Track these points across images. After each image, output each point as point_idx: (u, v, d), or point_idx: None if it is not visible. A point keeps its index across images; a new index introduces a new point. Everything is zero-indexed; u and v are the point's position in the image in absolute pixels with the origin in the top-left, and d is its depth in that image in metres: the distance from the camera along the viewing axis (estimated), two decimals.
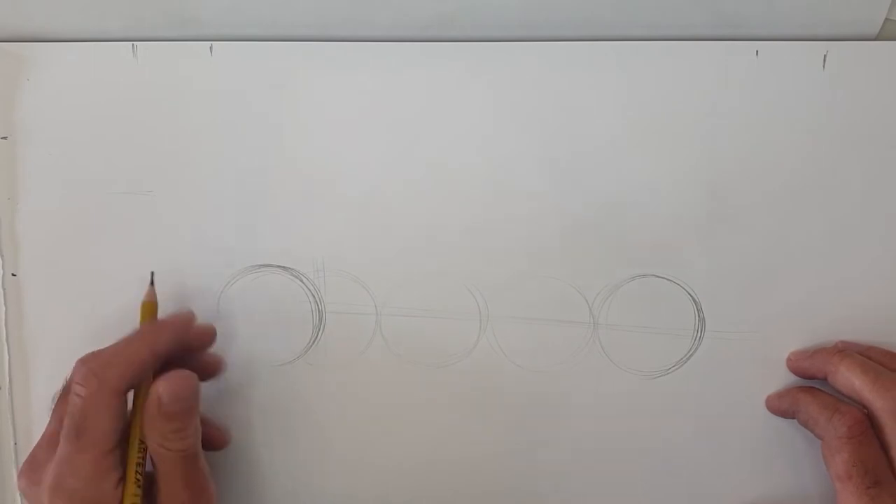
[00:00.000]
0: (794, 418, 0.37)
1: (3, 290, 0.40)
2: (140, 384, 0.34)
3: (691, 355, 0.38)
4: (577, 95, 0.38)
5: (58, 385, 0.40)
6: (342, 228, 0.39)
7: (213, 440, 0.39)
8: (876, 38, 0.37)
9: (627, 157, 0.38)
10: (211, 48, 0.39)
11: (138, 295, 0.38)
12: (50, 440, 0.35)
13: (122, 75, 0.39)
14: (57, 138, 0.39)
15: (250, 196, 0.39)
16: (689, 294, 0.38)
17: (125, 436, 0.34)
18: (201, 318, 0.39)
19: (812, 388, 0.37)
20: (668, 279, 0.38)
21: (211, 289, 0.39)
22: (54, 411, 0.36)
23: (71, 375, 0.34)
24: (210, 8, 0.38)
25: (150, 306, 0.37)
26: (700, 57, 0.37)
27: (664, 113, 0.38)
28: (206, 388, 0.40)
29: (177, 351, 0.35)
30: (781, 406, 0.37)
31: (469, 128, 0.38)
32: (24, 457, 0.40)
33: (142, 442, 0.34)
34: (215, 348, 0.39)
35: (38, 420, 0.40)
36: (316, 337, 0.39)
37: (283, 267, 0.39)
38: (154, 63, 0.39)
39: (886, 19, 0.37)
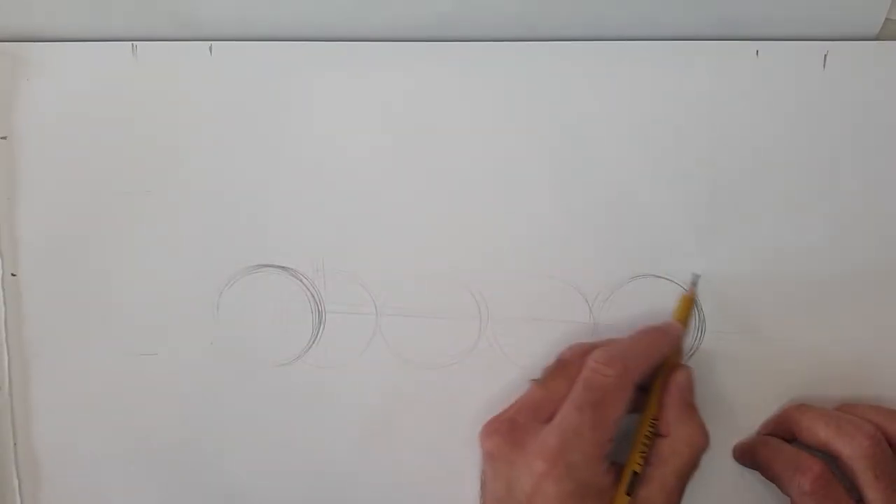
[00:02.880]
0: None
1: (3, 290, 0.40)
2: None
3: (691, 355, 0.38)
4: (577, 95, 0.38)
5: (57, 385, 0.40)
6: (342, 228, 0.39)
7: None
8: (876, 38, 0.37)
9: (627, 157, 0.38)
10: (211, 48, 0.39)
11: (139, 294, 0.39)
12: (537, 407, 0.34)
13: (122, 75, 0.39)
14: (57, 138, 0.39)
15: (250, 196, 0.39)
16: None
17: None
18: (201, 317, 0.39)
19: (772, 443, 0.36)
20: (668, 279, 0.38)
21: (211, 289, 0.39)
22: (542, 383, 0.35)
23: (565, 353, 0.36)
24: (210, 8, 0.38)
25: (687, 301, 0.37)
26: (700, 57, 0.37)
27: (664, 113, 0.38)
28: (206, 387, 0.40)
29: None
30: (744, 462, 0.38)
31: (469, 128, 0.38)
32: (24, 456, 0.40)
33: (647, 438, 0.34)
34: (215, 347, 0.39)
35: (38, 420, 0.40)
36: (316, 337, 0.39)
37: (283, 267, 0.39)
38: (154, 63, 0.39)
39: (886, 19, 0.37)
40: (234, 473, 0.40)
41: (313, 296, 0.39)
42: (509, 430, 0.34)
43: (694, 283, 0.38)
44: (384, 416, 0.39)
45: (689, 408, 0.35)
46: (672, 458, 0.34)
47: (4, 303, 0.40)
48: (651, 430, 0.35)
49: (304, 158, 0.39)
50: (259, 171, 0.39)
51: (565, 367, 0.35)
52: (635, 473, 0.34)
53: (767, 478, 0.36)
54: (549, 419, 0.33)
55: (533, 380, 0.36)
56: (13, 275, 0.40)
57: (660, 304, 0.38)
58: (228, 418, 0.40)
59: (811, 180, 0.37)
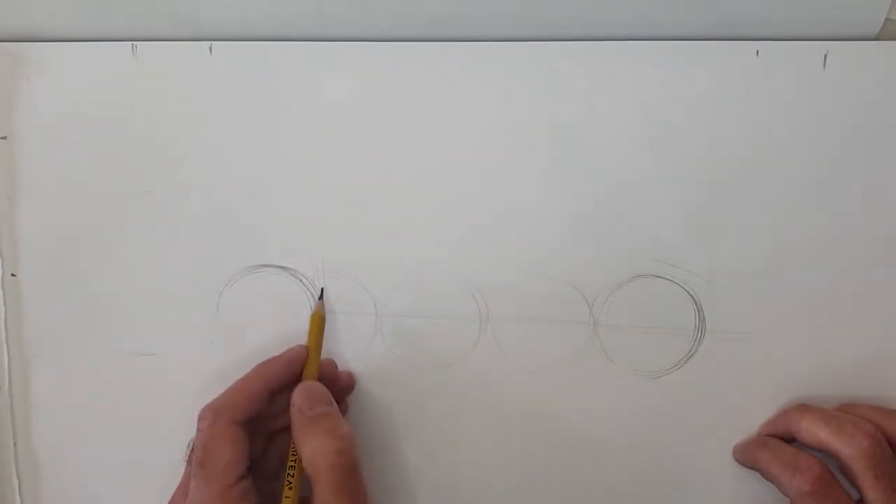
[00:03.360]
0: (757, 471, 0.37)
1: (3, 290, 0.40)
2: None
3: (691, 355, 0.38)
4: (577, 95, 0.38)
5: (58, 385, 0.40)
6: (342, 228, 0.39)
7: (343, 386, 0.39)
8: (876, 38, 0.37)
9: (627, 157, 0.38)
10: (211, 48, 0.39)
11: (138, 294, 0.39)
12: (184, 488, 0.35)
13: (122, 75, 0.39)
14: (57, 138, 0.39)
15: (250, 196, 0.39)
16: (689, 294, 0.38)
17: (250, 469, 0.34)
18: (201, 317, 0.39)
19: (770, 443, 0.36)
20: (668, 279, 0.38)
21: (211, 289, 0.39)
22: (188, 460, 0.36)
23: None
24: (210, 8, 0.38)
25: (318, 318, 0.38)
26: (700, 57, 0.37)
27: (664, 113, 0.38)
28: (206, 387, 0.40)
29: (292, 382, 0.36)
30: (744, 462, 0.37)
31: (469, 128, 0.38)
32: (24, 456, 0.40)
33: (295, 461, 0.34)
34: (215, 347, 0.39)
35: (38, 420, 0.40)
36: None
37: (283, 267, 0.39)
38: (154, 63, 0.39)
39: (886, 19, 0.37)
40: None
41: (313, 296, 0.39)
42: None
43: (321, 297, 0.38)
44: (384, 415, 0.39)
45: (311, 421, 0.34)
46: (316, 476, 0.32)
47: (4, 303, 0.40)
48: (293, 457, 0.34)
49: (304, 158, 0.39)
50: (259, 171, 0.39)
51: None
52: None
53: (767, 478, 0.36)
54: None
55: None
56: (13, 275, 0.40)
57: (660, 303, 0.38)
58: None
59: (811, 180, 0.37)
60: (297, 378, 0.36)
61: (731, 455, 0.38)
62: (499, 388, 0.39)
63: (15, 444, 0.40)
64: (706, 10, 0.37)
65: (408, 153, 0.39)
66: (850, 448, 0.33)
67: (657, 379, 0.38)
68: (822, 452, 0.35)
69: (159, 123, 0.39)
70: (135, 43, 0.39)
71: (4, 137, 0.39)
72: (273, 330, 0.39)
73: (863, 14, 0.37)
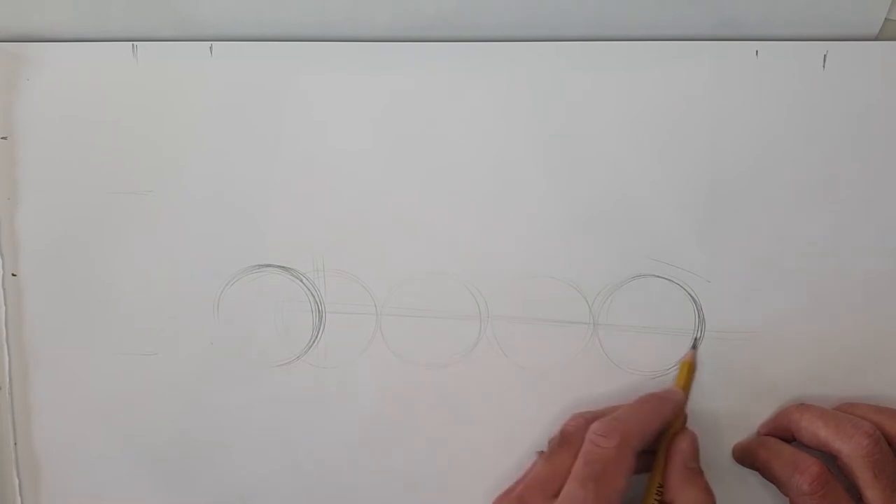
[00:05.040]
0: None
1: (3, 290, 0.40)
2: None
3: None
4: (577, 95, 0.38)
5: (58, 385, 0.40)
6: (342, 228, 0.39)
7: None
8: (876, 38, 0.37)
9: (627, 158, 0.38)
10: (211, 48, 0.39)
11: (139, 294, 0.39)
12: (543, 483, 0.35)
13: (122, 75, 0.39)
14: (57, 138, 0.39)
15: (250, 196, 0.39)
16: (689, 294, 0.38)
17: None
18: (201, 317, 0.39)
19: (770, 443, 0.37)
20: (668, 279, 0.38)
21: (211, 289, 0.39)
22: (548, 457, 0.36)
23: (568, 425, 0.36)
24: (210, 8, 0.38)
25: (689, 366, 0.38)
26: (700, 57, 0.37)
27: (664, 113, 0.38)
28: (206, 387, 0.40)
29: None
30: (744, 462, 0.38)
31: (469, 128, 0.38)
32: (24, 456, 0.40)
33: (659, 501, 0.35)
34: (215, 347, 0.39)
35: (38, 420, 0.40)
36: (316, 337, 0.39)
37: (283, 267, 0.39)
38: (154, 63, 0.39)
39: (886, 19, 0.37)
40: (234, 473, 0.40)
41: (313, 296, 0.39)
42: None
43: (694, 347, 0.38)
44: (384, 415, 0.39)
45: (692, 473, 0.35)
46: None
47: (4, 303, 0.40)
48: (657, 497, 0.35)
49: (304, 158, 0.39)
50: (259, 171, 0.39)
51: (568, 439, 0.36)
52: None
53: (766, 478, 0.36)
54: (556, 494, 0.33)
55: (539, 452, 0.37)
56: (13, 275, 0.40)
57: (660, 303, 0.38)
58: (228, 418, 0.40)
59: (811, 180, 0.37)
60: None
61: (730, 455, 0.38)
62: (499, 388, 0.39)
63: (15, 444, 0.40)
64: (706, 10, 0.37)
65: (408, 153, 0.39)
66: (849, 447, 0.33)
67: (657, 379, 0.38)
68: (821, 452, 0.35)
69: (159, 123, 0.39)
70: (135, 43, 0.39)
71: (4, 137, 0.39)
72: (273, 330, 0.39)
73: (863, 14, 0.37)
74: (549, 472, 0.35)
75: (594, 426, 0.34)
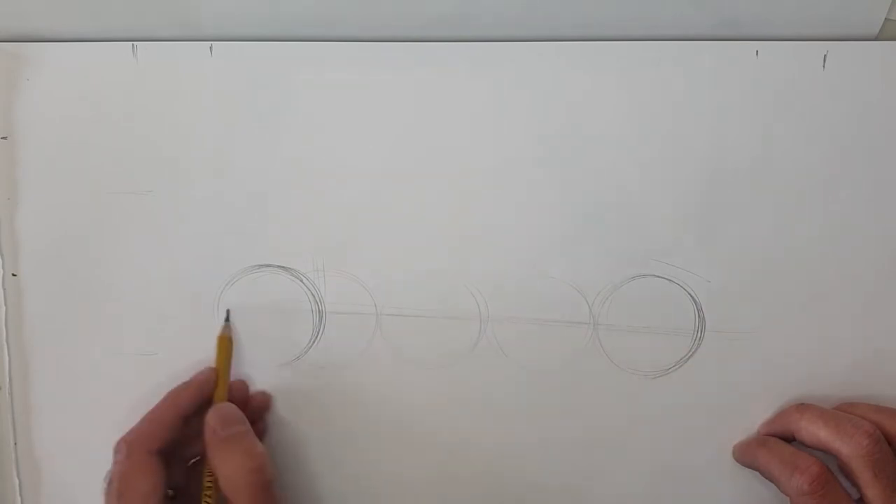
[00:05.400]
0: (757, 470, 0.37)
1: (3, 290, 0.40)
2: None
3: (691, 355, 0.38)
4: (577, 95, 0.38)
5: (58, 385, 0.40)
6: (342, 228, 0.39)
7: (256, 406, 0.39)
8: (876, 38, 0.37)
9: (627, 158, 0.38)
10: (211, 48, 0.39)
11: (139, 294, 0.39)
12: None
13: (122, 75, 0.39)
14: (57, 138, 0.39)
15: (250, 196, 0.39)
16: (689, 294, 0.38)
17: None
18: (201, 317, 0.39)
19: (770, 443, 0.36)
20: (668, 279, 0.38)
21: (211, 289, 0.39)
22: (106, 496, 0.35)
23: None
24: (210, 8, 0.38)
25: (225, 340, 0.38)
26: (700, 57, 0.37)
27: (664, 113, 0.38)
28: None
29: (204, 406, 0.37)
30: (744, 462, 0.38)
31: (469, 128, 0.38)
32: (24, 456, 0.40)
33: (211, 482, 0.34)
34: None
35: (38, 420, 0.40)
36: (316, 337, 0.39)
37: (283, 267, 0.39)
38: (154, 63, 0.39)
39: (886, 19, 0.37)
40: None
41: (313, 296, 0.39)
42: None
43: (227, 320, 0.39)
44: (384, 415, 0.39)
45: (226, 441, 0.34)
46: (233, 495, 0.33)
47: (5, 303, 0.40)
48: (209, 478, 0.35)
49: (304, 158, 0.39)
50: (259, 171, 0.39)
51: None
52: None
53: (767, 478, 0.36)
54: None
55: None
56: (13, 275, 0.40)
57: (660, 303, 0.38)
58: None
59: (811, 180, 0.37)
60: (208, 402, 0.37)
61: (730, 455, 0.38)
62: (499, 388, 0.39)
63: (15, 444, 0.40)
64: (706, 10, 0.37)
65: (408, 153, 0.39)
66: (849, 447, 0.33)
67: (657, 379, 0.38)
68: (821, 452, 0.35)
69: (159, 123, 0.39)
70: (135, 43, 0.39)
71: (4, 137, 0.39)
72: (273, 330, 0.39)
73: (863, 14, 0.37)
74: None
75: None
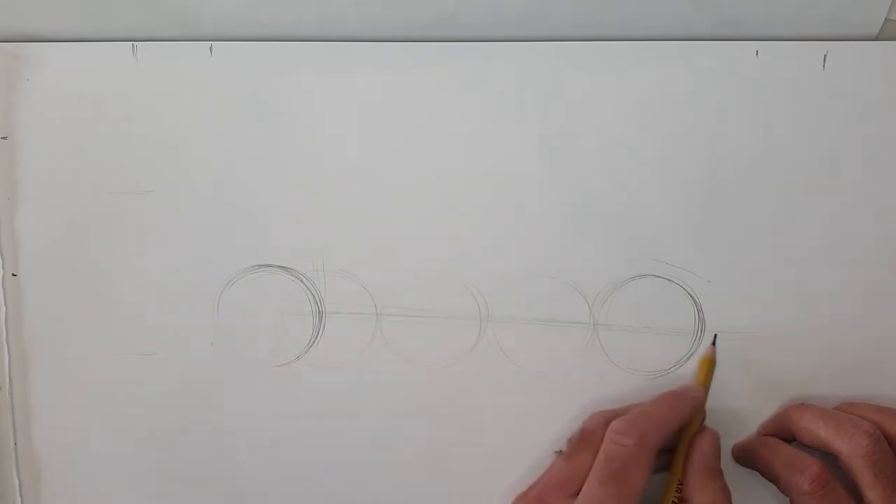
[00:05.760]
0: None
1: (3, 290, 0.40)
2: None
3: (691, 355, 0.38)
4: (577, 95, 0.38)
5: (58, 385, 0.40)
6: (342, 228, 0.39)
7: None
8: (876, 38, 0.37)
9: (627, 158, 0.38)
10: (211, 48, 0.39)
11: (138, 294, 0.39)
12: (563, 483, 0.35)
13: (122, 75, 0.39)
14: (57, 138, 0.39)
15: (250, 196, 0.39)
16: (689, 294, 0.38)
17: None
18: (201, 317, 0.39)
19: (770, 443, 0.37)
20: (668, 279, 0.38)
21: (211, 289, 0.39)
22: (567, 457, 0.36)
23: (587, 423, 0.36)
24: (210, 8, 0.38)
25: (709, 363, 0.37)
26: (700, 57, 0.37)
27: (664, 113, 0.38)
28: (206, 387, 0.40)
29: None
30: (744, 462, 0.38)
31: (469, 128, 0.38)
32: (24, 456, 0.40)
33: (678, 499, 0.35)
34: (215, 347, 0.39)
35: (38, 420, 0.40)
36: (316, 337, 0.39)
37: (283, 267, 0.39)
38: (154, 63, 0.39)
39: (886, 19, 0.37)
40: (233, 473, 0.40)
41: (313, 296, 0.39)
42: None
43: (714, 343, 0.38)
44: (384, 416, 0.39)
45: (712, 473, 0.35)
46: None
47: (4, 303, 0.40)
48: (677, 495, 0.35)
49: (304, 158, 0.39)
50: (259, 170, 0.39)
51: (587, 438, 0.36)
52: None
53: (767, 478, 0.36)
54: (576, 493, 0.34)
55: (557, 452, 0.37)
56: (13, 275, 0.40)
57: (660, 303, 0.38)
58: (228, 418, 0.40)
59: (811, 180, 0.37)
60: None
61: (730, 455, 0.38)
62: (499, 388, 0.39)
63: (15, 444, 0.40)
64: (706, 10, 0.37)
65: (408, 153, 0.39)
66: (849, 447, 0.33)
67: (657, 379, 0.38)
68: (821, 452, 0.35)
69: (159, 123, 0.39)
70: (135, 43, 0.39)
71: (4, 137, 0.39)
72: (273, 330, 0.39)
73: (863, 14, 0.37)
74: (568, 471, 0.35)
75: (613, 425, 0.34)
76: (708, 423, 0.38)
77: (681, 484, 0.35)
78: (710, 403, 0.38)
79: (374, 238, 0.39)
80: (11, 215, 0.40)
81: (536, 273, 0.38)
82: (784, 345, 0.38)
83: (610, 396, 0.38)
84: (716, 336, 0.38)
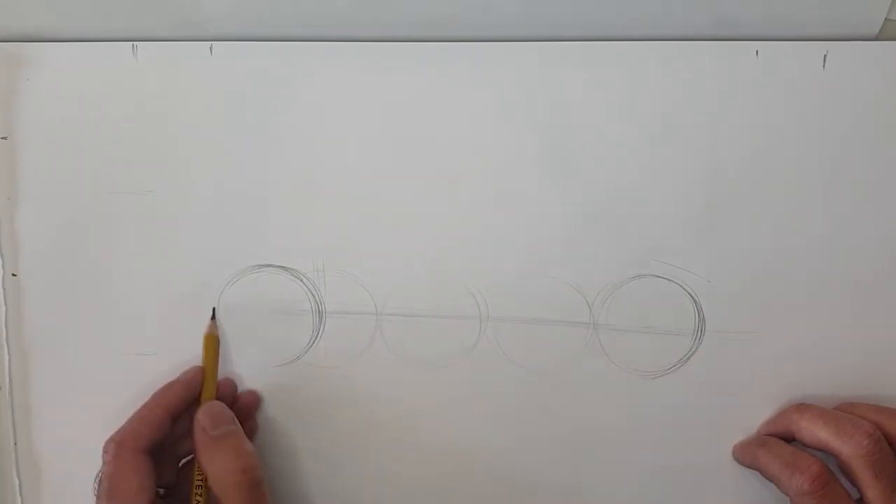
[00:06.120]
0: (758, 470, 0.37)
1: (3, 290, 0.40)
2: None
3: (691, 355, 0.38)
4: (577, 95, 0.38)
5: (58, 385, 0.40)
6: (342, 229, 0.39)
7: (245, 405, 0.39)
8: (876, 38, 0.37)
9: (627, 158, 0.38)
10: (211, 48, 0.39)
11: (139, 294, 0.39)
12: None
13: (122, 75, 0.39)
14: (57, 138, 0.39)
15: (250, 196, 0.39)
16: (689, 294, 0.38)
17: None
18: (201, 317, 0.39)
19: (770, 443, 0.36)
20: (668, 279, 0.38)
21: (211, 289, 0.39)
22: (97, 497, 0.36)
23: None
24: (210, 8, 0.38)
25: (211, 339, 0.38)
26: (700, 57, 0.37)
27: (664, 113, 0.38)
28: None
29: (193, 405, 0.37)
30: (744, 462, 0.38)
31: (469, 128, 0.38)
32: (24, 456, 0.40)
33: (201, 480, 0.35)
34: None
35: (38, 420, 0.40)
36: (316, 337, 0.39)
37: (283, 267, 0.39)
38: (154, 63, 0.39)
39: (886, 19, 0.37)
40: None
41: (313, 296, 0.39)
42: None
43: (213, 318, 0.39)
44: (384, 416, 0.39)
45: (216, 440, 0.35)
46: (223, 494, 0.33)
47: (5, 303, 0.40)
48: (199, 478, 0.35)
49: (305, 158, 0.39)
50: (259, 171, 0.39)
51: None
52: None
53: (767, 478, 0.36)
54: None
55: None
56: (13, 275, 0.40)
57: (660, 303, 0.38)
58: None
59: (811, 180, 0.37)
60: (196, 400, 0.37)
61: (730, 455, 0.38)
62: (499, 388, 0.39)
63: (15, 444, 0.40)
64: (706, 10, 0.37)
65: (408, 153, 0.39)
66: (849, 447, 0.33)
67: (657, 379, 0.38)
68: (821, 452, 0.35)
69: (159, 123, 0.39)
70: (135, 43, 0.39)
71: (4, 137, 0.39)
72: (273, 330, 0.39)
73: (863, 14, 0.37)
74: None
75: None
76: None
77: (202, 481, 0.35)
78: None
79: (374, 238, 0.39)
80: (11, 215, 0.40)
81: (536, 273, 0.39)
82: (784, 345, 0.38)
83: (610, 396, 0.38)
84: (214, 309, 0.39)
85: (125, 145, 0.39)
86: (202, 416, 0.35)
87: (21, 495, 0.41)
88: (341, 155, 0.39)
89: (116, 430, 0.35)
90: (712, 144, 0.37)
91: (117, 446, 0.34)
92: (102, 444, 0.35)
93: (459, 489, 0.39)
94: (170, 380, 0.38)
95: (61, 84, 0.39)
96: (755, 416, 0.38)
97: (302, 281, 0.39)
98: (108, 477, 0.34)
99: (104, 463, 0.35)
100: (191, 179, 0.39)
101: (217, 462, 0.34)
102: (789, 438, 0.36)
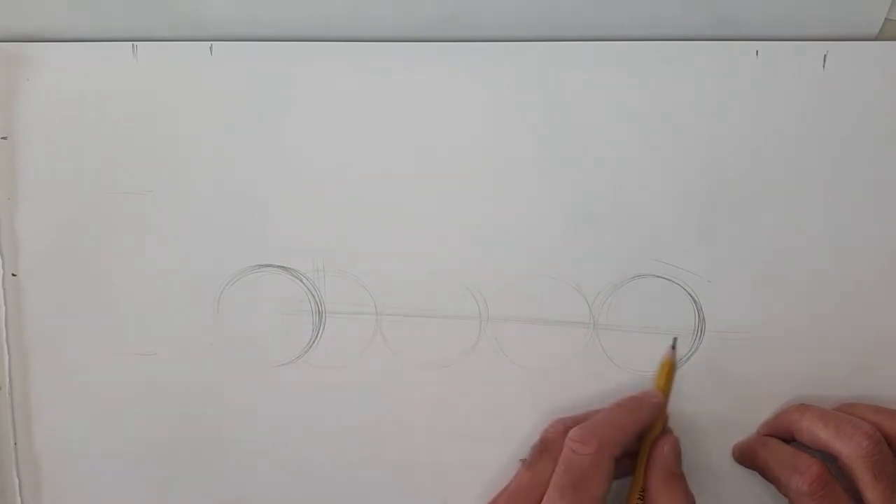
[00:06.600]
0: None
1: (3, 290, 0.40)
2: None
3: (691, 355, 0.38)
4: (577, 95, 0.38)
5: (58, 385, 0.40)
6: (342, 228, 0.39)
7: None
8: (876, 38, 0.37)
9: (627, 157, 0.38)
10: (211, 48, 0.39)
11: (138, 294, 0.39)
12: (525, 493, 0.35)
13: (122, 75, 0.39)
14: (57, 138, 0.39)
15: (250, 196, 0.39)
16: (689, 294, 0.38)
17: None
18: (201, 317, 0.39)
19: (770, 443, 0.37)
20: (668, 279, 0.38)
21: (211, 289, 0.39)
22: (529, 466, 0.36)
23: (547, 432, 0.36)
24: (210, 8, 0.38)
25: (668, 367, 0.38)
26: (700, 57, 0.37)
27: (664, 113, 0.38)
28: (206, 387, 0.40)
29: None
30: (744, 462, 0.38)
31: (469, 128, 0.38)
32: (24, 456, 0.40)
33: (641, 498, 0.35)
34: (215, 347, 0.39)
35: (38, 420, 0.40)
36: (316, 337, 0.39)
37: (283, 267, 0.39)
38: (154, 63, 0.39)
39: (886, 19, 0.37)
40: (233, 473, 0.40)
41: (313, 296, 0.39)
42: None
43: (674, 347, 0.38)
44: (384, 416, 0.39)
45: (673, 478, 0.35)
46: None
47: (4, 303, 0.40)
48: (640, 501, 0.35)
49: (304, 158, 0.39)
50: (259, 171, 0.39)
51: (547, 446, 0.36)
52: None
53: (766, 478, 0.36)
54: (538, 502, 0.34)
55: (522, 460, 0.37)
56: (13, 275, 0.40)
57: (660, 303, 0.38)
58: (228, 418, 0.40)
59: (811, 180, 0.37)
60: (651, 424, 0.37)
61: (730, 455, 0.38)
62: (499, 388, 0.39)
63: (15, 444, 0.40)
64: (706, 10, 0.37)
65: (408, 153, 0.39)
66: (849, 448, 0.33)
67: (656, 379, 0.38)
68: (821, 452, 0.35)
69: (159, 123, 0.39)
70: (135, 43, 0.39)
71: (4, 137, 0.39)
72: (273, 330, 0.39)
73: (863, 14, 0.37)
74: (529, 480, 0.35)
75: (572, 433, 0.34)
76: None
77: (643, 492, 0.35)
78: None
79: (374, 238, 0.39)
80: (11, 215, 0.40)
81: (536, 273, 0.38)
82: (784, 345, 0.38)
83: (610, 396, 0.38)
84: (675, 339, 0.38)
85: (125, 145, 0.39)
86: (669, 451, 0.36)
87: (21, 495, 0.41)
88: (341, 155, 0.39)
89: (596, 422, 0.35)
90: (712, 144, 0.37)
91: (600, 445, 0.34)
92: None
93: (459, 488, 0.39)
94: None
95: (61, 84, 0.39)
96: (755, 417, 0.38)
97: (302, 281, 0.39)
98: (581, 468, 0.33)
99: (578, 453, 0.34)
100: (191, 179, 0.39)
101: (671, 498, 0.35)
102: (789, 439, 0.36)
